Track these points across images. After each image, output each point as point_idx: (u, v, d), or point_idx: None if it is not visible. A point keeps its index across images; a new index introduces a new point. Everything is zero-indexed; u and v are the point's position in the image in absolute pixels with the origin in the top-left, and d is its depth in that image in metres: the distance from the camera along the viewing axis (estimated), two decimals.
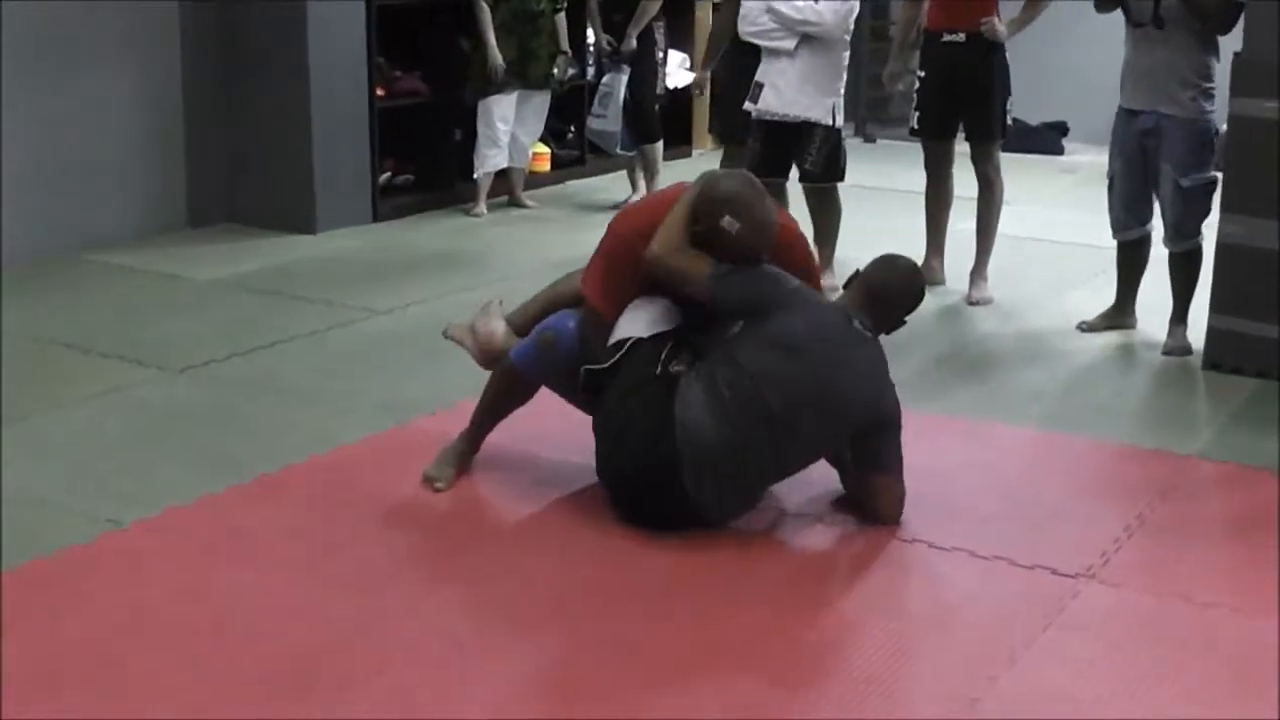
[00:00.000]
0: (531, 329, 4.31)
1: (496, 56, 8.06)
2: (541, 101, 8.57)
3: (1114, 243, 6.15)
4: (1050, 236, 8.01)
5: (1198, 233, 5.83)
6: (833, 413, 3.98)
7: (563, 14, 8.45)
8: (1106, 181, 6.09)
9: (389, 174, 8.42)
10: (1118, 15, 5.86)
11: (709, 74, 7.42)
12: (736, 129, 6.99)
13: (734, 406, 3.90)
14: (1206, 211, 5.77)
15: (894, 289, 4.21)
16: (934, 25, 6.66)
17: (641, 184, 8.64)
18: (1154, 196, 5.92)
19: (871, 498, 4.13)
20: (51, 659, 3.31)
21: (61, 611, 3.54)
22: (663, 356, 4.02)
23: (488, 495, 4.35)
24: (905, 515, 4.12)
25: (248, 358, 5.59)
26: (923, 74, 6.72)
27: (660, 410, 3.92)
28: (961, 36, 6.54)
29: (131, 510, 4.11)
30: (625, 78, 8.37)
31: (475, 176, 8.37)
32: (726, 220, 4.06)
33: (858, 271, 4.23)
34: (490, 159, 8.35)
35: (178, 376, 5.36)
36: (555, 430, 4.52)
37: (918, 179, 6.94)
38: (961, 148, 6.84)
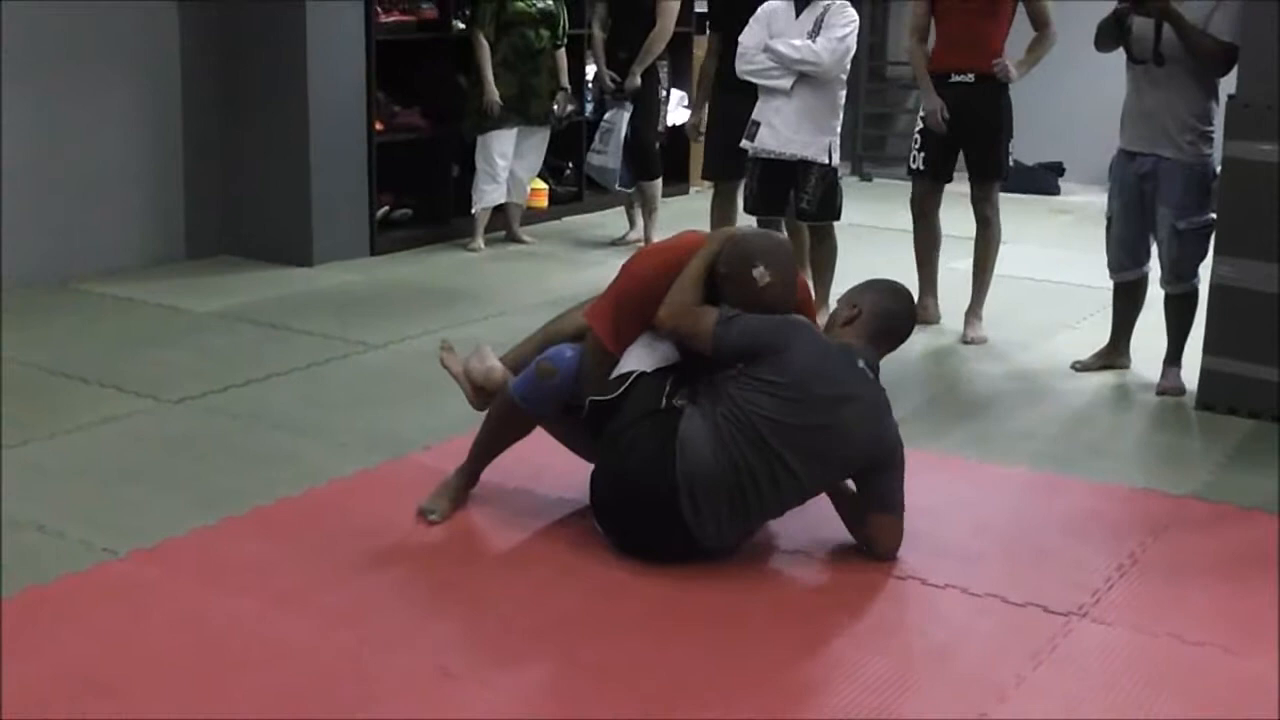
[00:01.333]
0: (524, 367, 4.33)
1: (493, 92, 8.11)
2: (541, 138, 8.62)
3: (1109, 283, 6.17)
4: (1046, 276, 8.05)
5: (1194, 275, 5.85)
6: (833, 452, 3.98)
7: (563, 50, 8.50)
8: (1104, 222, 6.12)
9: (387, 208, 8.46)
10: (1115, 57, 5.89)
11: (703, 116, 7.45)
12: (724, 168, 7.07)
13: (733, 440, 3.91)
14: (1204, 254, 5.79)
15: (899, 315, 4.25)
16: (940, 66, 6.68)
17: (640, 221, 8.68)
18: (1151, 238, 5.95)
19: (870, 535, 4.13)
20: (44, 688, 3.30)
21: (55, 640, 3.54)
22: (666, 391, 4.04)
23: (482, 528, 4.35)
24: (899, 552, 4.13)
25: (243, 390, 5.60)
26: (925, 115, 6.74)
27: (661, 441, 3.93)
28: (971, 77, 6.58)
29: (127, 540, 4.11)
30: (628, 115, 8.41)
31: (473, 212, 8.40)
32: (758, 272, 4.09)
33: (856, 308, 4.22)
34: (488, 194, 8.38)
35: (173, 408, 5.37)
36: (552, 465, 4.53)
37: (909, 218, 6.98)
38: (956, 187, 6.87)
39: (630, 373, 4.08)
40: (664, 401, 4.01)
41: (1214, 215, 5.70)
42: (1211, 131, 5.73)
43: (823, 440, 3.95)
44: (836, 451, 3.99)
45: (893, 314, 4.23)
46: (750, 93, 6.52)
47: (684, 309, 4.10)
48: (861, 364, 4.06)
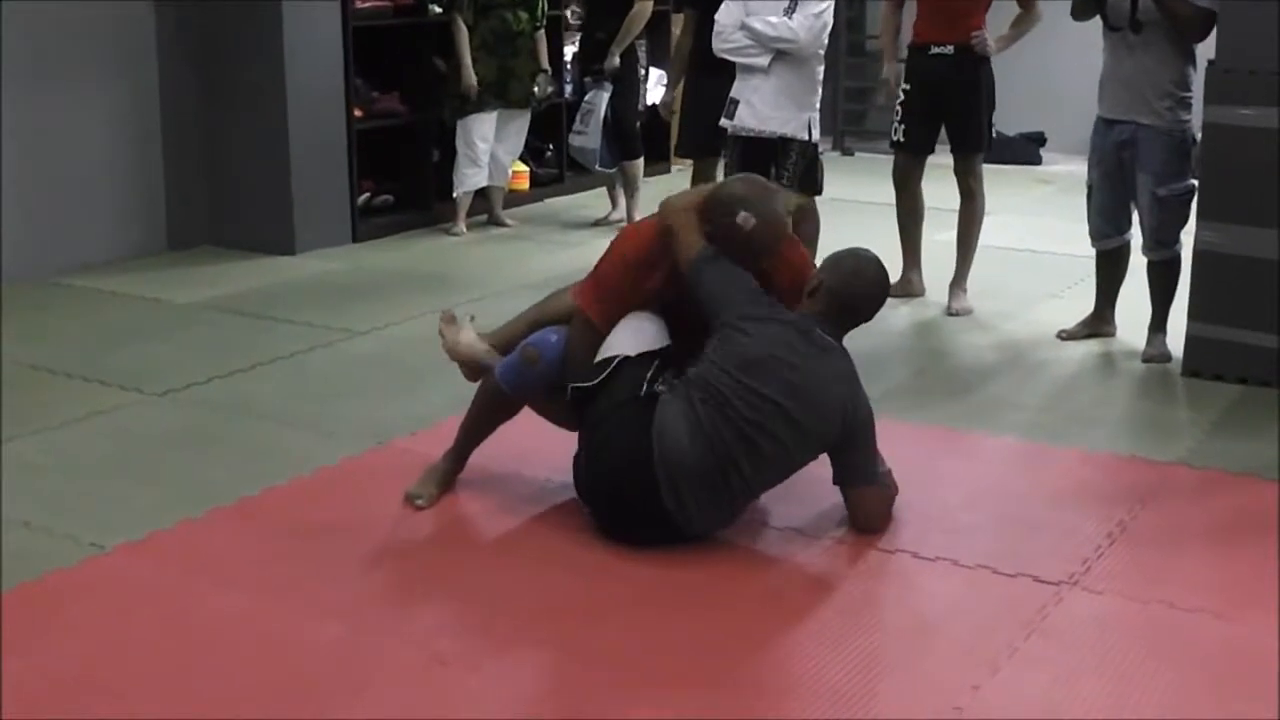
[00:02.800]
0: (511, 349, 4.31)
1: (471, 76, 8.08)
2: (522, 120, 8.60)
3: (1093, 251, 6.17)
4: (1029, 246, 8.05)
5: (1176, 241, 5.85)
6: (804, 425, 3.97)
7: (542, 32, 8.47)
8: (1085, 191, 6.12)
9: (368, 195, 8.43)
10: (1094, 25, 5.88)
11: (675, 94, 7.42)
12: (700, 146, 7.07)
13: (708, 423, 3.90)
14: (1184, 220, 5.80)
15: (864, 290, 4.19)
16: (921, 38, 6.68)
17: (622, 201, 8.67)
18: (1132, 205, 5.95)
19: (854, 509, 4.14)
20: (34, 684, 3.30)
21: (44, 636, 3.53)
22: (648, 376, 4.03)
23: (470, 513, 4.34)
24: (888, 525, 4.13)
25: (228, 380, 5.58)
26: (908, 87, 6.73)
27: (640, 428, 3.92)
28: (950, 49, 6.57)
29: (114, 534, 4.09)
30: (607, 95, 8.39)
31: (455, 195, 8.38)
32: (741, 216, 4.10)
33: (820, 280, 4.20)
34: (469, 178, 8.36)
35: (158, 400, 5.35)
36: (539, 448, 4.51)
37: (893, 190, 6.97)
38: (939, 160, 6.86)
39: (613, 358, 4.07)
40: (645, 387, 4.00)
41: (1194, 182, 5.71)
42: (1189, 97, 5.73)
43: (795, 410, 3.93)
44: (808, 424, 3.97)
45: (853, 288, 4.16)
46: (725, 70, 6.50)
47: (687, 212, 4.17)
48: (818, 333, 4.05)
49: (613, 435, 4.01)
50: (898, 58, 6.92)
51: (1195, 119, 5.73)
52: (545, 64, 8.54)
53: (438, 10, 8.52)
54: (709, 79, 6.73)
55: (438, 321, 4.57)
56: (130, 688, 3.29)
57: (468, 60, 8.10)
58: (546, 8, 8.54)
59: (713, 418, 3.90)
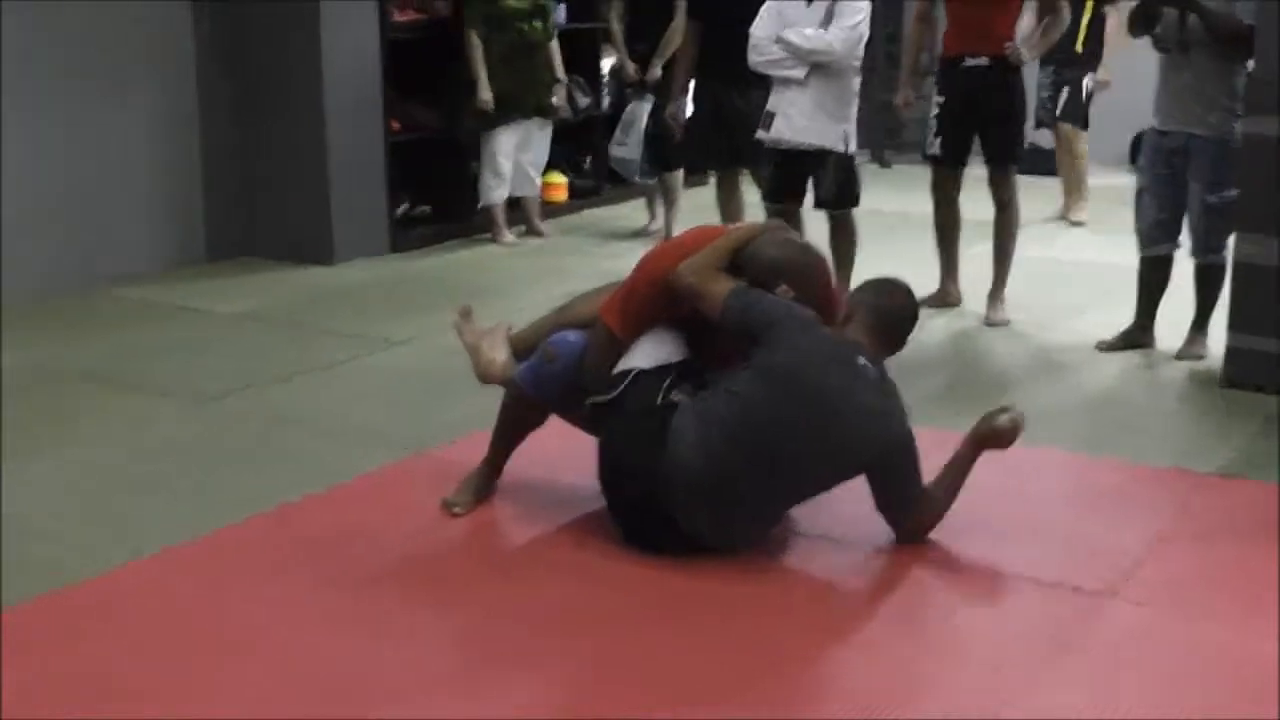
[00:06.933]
0: (534, 349, 4.32)
1: (485, 90, 8.08)
2: (545, 130, 8.61)
3: (1131, 263, 6.15)
4: (1066, 257, 8.02)
5: (1223, 247, 5.84)
6: (836, 451, 3.92)
7: (555, 42, 8.49)
8: (1124, 202, 6.11)
9: (406, 205, 8.47)
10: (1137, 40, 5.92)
11: (680, 105, 7.34)
12: (713, 157, 7.20)
13: (723, 442, 3.85)
14: (1232, 228, 5.78)
15: (897, 314, 4.16)
16: (953, 50, 6.67)
17: (660, 212, 8.68)
18: (1182, 215, 5.94)
19: (895, 530, 4.09)
20: (65, 689, 3.31)
21: (79, 641, 3.54)
22: (664, 388, 4.00)
23: (504, 520, 4.35)
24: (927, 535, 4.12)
25: (266, 390, 5.61)
26: (942, 99, 6.73)
27: (653, 439, 3.89)
28: (984, 61, 6.55)
29: (153, 541, 4.11)
30: (648, 107, 8.42)
31: (479, 208, 8.41)
32: (781, 290, 4.08)
33: (854, 308, 4.15)
34: (493, 191, 8.40)
35: (197, 409, 5.38)
36: (576, 455, 4.51)
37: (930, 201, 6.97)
38: (977, 171, 6.85)
39: (630, 370, 4.06)
40: (660, 398, 3.98)
41: None
42: (1239, 108, 5.71)
43: (829, 435, 3.89)
44: (840, 450, 3.92)
45: (887, 311, 4.14)
46: (731, 78, 6.55)
47: (704, 269, 4.07)
48: (863, 361, 3.98)
49: (628, 447, 4.00)
50: (920, 72, 6.92)
51: None
52: (560, 73, 8.56)
53: None
54: (716, 88, 6.83)
55: (453, 317, 4.58)
56: (155, 693, 3.29)
57: (483, 76, 8.10)
58: (571, 19, 8.56)
59: (731, 438, 3.85)
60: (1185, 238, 6.01)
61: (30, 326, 6.42)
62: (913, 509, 4.05)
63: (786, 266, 4.13)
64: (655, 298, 4.15)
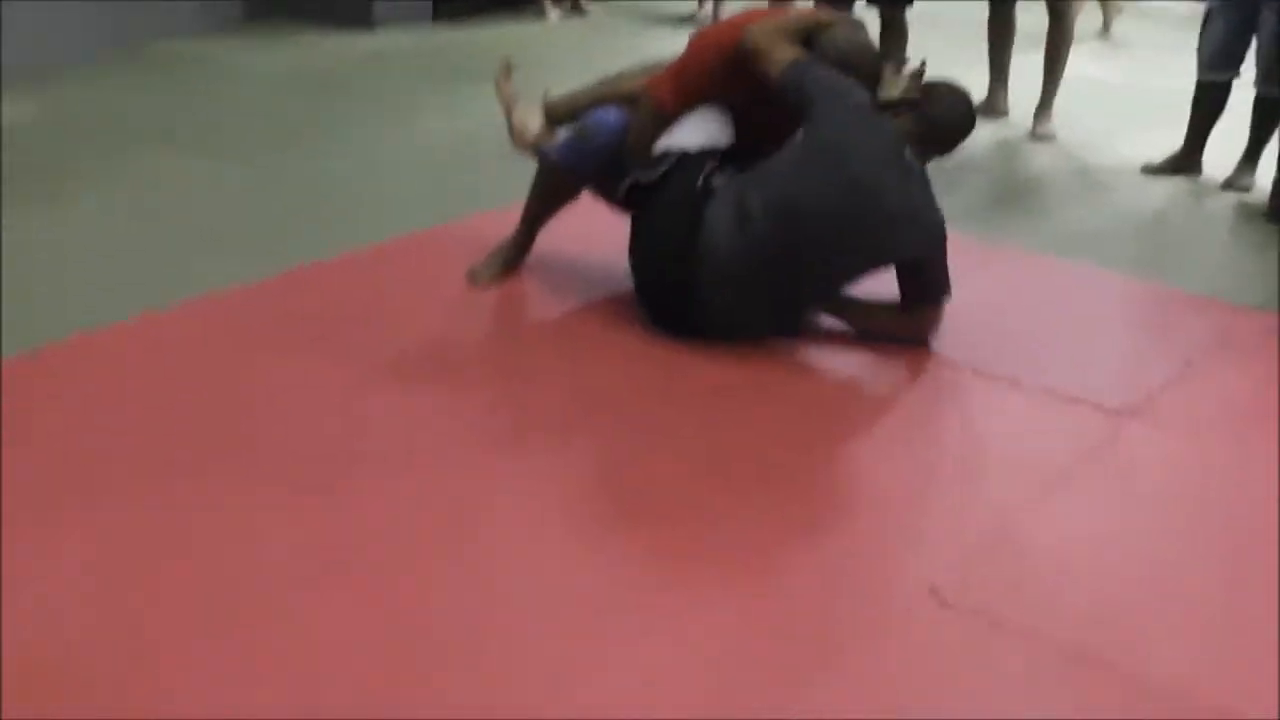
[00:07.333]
0: (571, 118, 4.23)
1: None
2: None
3: (1186, 88, 6.00)
4: (1121, 78, 7.86)
5: None
6: (870, 236, 3.88)
7: None
8: (1183, 26, 5.94)
9: None
10: None
11: None
12: None
13: (759, 219, 3.81)
14: None
15: (951, 124, 4.07)
16: None
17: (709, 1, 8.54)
18: (1249, 43, 5.76)
19: (910, 321, 4.06)
20: (76, 443, 3.31)
21: (98, 386, 3.54)
22: (705, 171, 3.94)
23: (530, 294, 4.32)
24: (950, 341, 4.07)
25: (301, 150, 5.55)
26: None
27: (690, 222, 3.86)
28: None
29: (176, 294, 4.09)
30: None
31: None
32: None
33: (916, 101, 4.06)
34: None
35: (232, 167, 5.32)
36: (607, 234, 4.46)
37: (986, 7, 6.79)
38: None
39: (672, 151, 3.99)
40: (700, 182, 3.92)
41: None
42: None
43: (855, 220, 3.84)
44: (869, 237, 3.88)
45: (948, 120, 4.05)
46: None
47: (776, 33, 3.99)
48: (909, 155, 3.93)
49: (663, 229, 3.95)
50: None
51: None
52: None
53: None
54: None
55: (496, 74, 4.49)
56: (170, 447, 3.28)
57: None
58: None
59: (767, 219, 3.80)
60: (1246, 68, 5.84)
61: (58, 81, 6.33)
62: (937, 299, 4.03)
63: (857, 61, 4.03)
64: (712, 70, 4.06)
